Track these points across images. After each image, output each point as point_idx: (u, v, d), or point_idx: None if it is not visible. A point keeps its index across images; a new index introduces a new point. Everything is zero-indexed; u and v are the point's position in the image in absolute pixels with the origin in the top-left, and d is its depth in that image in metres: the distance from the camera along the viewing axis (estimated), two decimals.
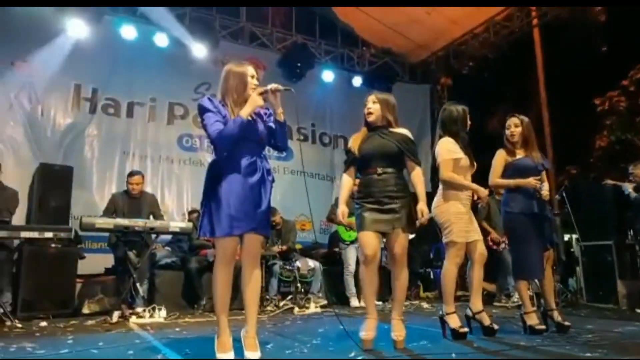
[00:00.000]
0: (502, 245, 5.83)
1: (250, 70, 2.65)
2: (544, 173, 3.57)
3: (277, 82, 2.74)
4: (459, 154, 3.29)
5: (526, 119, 3.57)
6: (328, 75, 8.23)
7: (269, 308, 5.01)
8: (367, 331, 2.79)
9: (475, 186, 3.31)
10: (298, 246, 7.05)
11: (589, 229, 5.90)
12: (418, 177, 2.96)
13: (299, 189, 7.47)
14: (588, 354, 2.51)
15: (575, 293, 5.82)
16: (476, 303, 3.29)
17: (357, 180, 3.09)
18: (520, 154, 3.53)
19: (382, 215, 2.84)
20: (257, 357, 2.42)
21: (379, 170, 2.90)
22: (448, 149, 3.29)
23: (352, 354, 2.57)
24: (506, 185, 3.52)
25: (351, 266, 5.80)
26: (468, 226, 3.24)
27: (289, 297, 5.32)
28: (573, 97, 8.21)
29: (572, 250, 6.50)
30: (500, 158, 3.55)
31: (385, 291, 5.89)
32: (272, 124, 2.66)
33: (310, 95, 8.14)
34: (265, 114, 2.72)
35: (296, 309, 4.99)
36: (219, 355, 2.42)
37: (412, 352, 2.68)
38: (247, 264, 2.58)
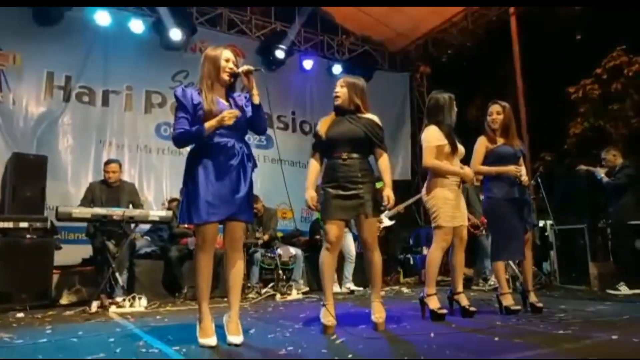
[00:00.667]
0: (481, 230, 5.95)
1: (225, 53, 2.61)
2: (521, 159, 3.67)
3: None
4: (442, 140, 3.33)
5: (508, 106, 3.64)
6: (308, 63, 8.19)
7: (250, 295, 5.02)
8: (328, 318, 2.79)
9: (459, 170, 3.36)
10: (279, 234, 7.07)
11: (562, 213, 6.06)
12: (385, 164, 2.99)
13: (280, 177, 7.45)
14: (561, 331, 2.60)
15: (549, 275, 5.99)
16: (457, 285, 3.39)
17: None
18: (500, 141, 3.61)
19: (346, 202, 2.86)
20: (239, 342, 2.43)
21: (344, 155, 2.91)
22: (431, 137, 3.34)
23: (334, 336, 2.60)
24: (488, 172, 3.62)
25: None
26: (454, 211, 3.30)
27: (271, 284, 5.34)
28: (549, 85, 8.37)
29: (546, 234, 6.67)
30: (481, 145, 3.63)
31: (365, 278, 6.00)
32: (249, 108, 2.64)
33: (290, 83, 8.10)
34: (246, 97, 2.69)
35: (278, 296, 5.01)
36: (201, 341, 2.42)
37: (392, 333, 2.73)
38: (229, 250, 2.59)
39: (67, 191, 5.98)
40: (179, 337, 2.64)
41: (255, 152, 8.46)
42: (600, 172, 5.36)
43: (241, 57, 7.70)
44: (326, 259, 2.93)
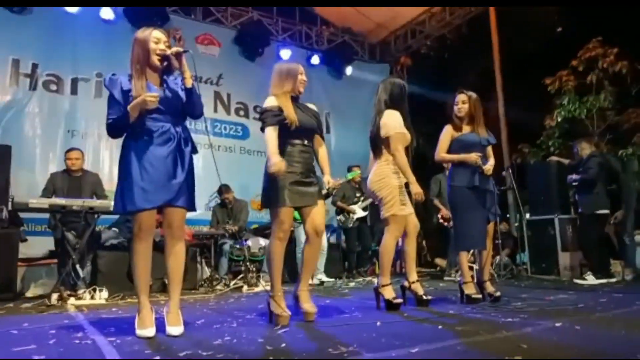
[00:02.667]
0: (452, 222, 5.93)
1: (155, 34, 2.49)
2: (489, 148, 3.66)
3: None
4: (404, 128, 3.29)
5: (474, 95, 3.62)
6: (285, 53, 8.10)
7: (218, 287, 4.97)
8: (280, 309, 2.68)
9: (412, 178, 3.25)
10: (255, 226, 7.01)
11: (535, 204, 6.07)
12: (324, 153, 3.07)
13: (256, 168, 7.40)
14: (509, 319, 2.56)
15: (521, 266, 6.00)
16: (411, 274, 3.35)
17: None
18: (466, 130, 3.60)
19: (308, 189, 2.84)
20: (178, 333, 2.36)
21: (306, 142, 2.90)
22: (400, 123, 3.28)
23: (278, 326, 2.56)
24: (450, 159, 3.64)
25: (303, 244, 5.79)
26: (405, 200, 3.26)
27: (240, 276, 5.29)
28: (528, 76, 8.34)
29: (516, 225, 6.70)
30: (446, 133, 3.64)
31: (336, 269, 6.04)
32: (183, 92, 2.54)
33: (268, 73, 7.95)
34: (181, 81, 2.58)
35: (245, 288, 4.96)
36: (138, 332, 2.36)
37: (340, 322, 2.68)
38: (167, 237, 2.53)
39: (35, 181, 5.85)
40: (121, 329, 2.58)
41: (230, 142, 8.33)
42: (573, 177, 5.29)
43: (217, 46, 7.63)
44: (277, 248, 2.85)
